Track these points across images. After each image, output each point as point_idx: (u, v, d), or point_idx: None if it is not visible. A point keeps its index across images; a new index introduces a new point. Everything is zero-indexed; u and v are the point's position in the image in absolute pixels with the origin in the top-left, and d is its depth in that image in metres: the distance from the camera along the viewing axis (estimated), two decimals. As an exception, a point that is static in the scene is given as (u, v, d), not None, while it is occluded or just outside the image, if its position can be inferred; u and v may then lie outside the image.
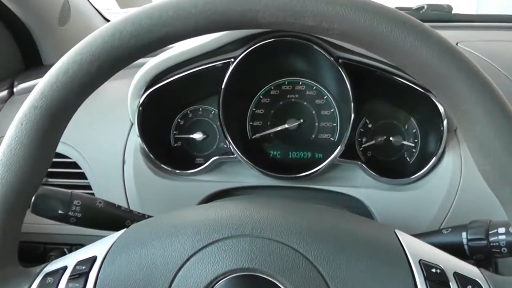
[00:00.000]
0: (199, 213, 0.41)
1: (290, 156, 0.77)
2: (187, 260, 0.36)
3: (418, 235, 0.53)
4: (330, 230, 0.37)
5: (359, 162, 0.71)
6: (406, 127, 0.75)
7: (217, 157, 0.74)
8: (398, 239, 0.38)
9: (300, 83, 0.78)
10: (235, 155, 0.72)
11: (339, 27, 0.34)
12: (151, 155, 0.73)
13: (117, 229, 0.44)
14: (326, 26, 0.35)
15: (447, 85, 0.33)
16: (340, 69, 0.67)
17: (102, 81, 0.38)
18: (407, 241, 0.38)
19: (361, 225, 0.39)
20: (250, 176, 0.74)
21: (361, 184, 0.72)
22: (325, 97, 0.77)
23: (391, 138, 0.75)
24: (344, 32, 0.35)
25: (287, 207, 0.41)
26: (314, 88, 0.77)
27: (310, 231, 0.37)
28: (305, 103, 0.77)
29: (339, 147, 0.69)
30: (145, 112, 0.73)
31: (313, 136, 0.77)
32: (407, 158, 0.75)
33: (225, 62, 0.70)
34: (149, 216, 0.58)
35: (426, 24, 0.35)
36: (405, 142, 0.75)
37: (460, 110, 0.34)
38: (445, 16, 1.05)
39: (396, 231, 0.39)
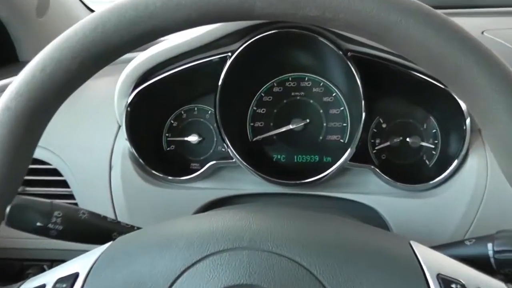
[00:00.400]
0: (192, 223, 0.41)
1: (296, 160, 0.78)
2: (179, 276, 0.36)
3: (437, 247, 0.53)
4: (337, 241, 0.37)
5: (372, 166, 0.71)
6: (424, 127, 0.75)
7: (214, 162, 0.74)
8: (414, 251, 0.38)
9: (306, 79, 0.78)
10: (234, 160, 0.72)
11: (343, 17, 0.35)
12: (141, 160, 0.74)
13: (102, 242, 0.44)
14: (330, 16, 0.35)
15: (464, 79, 0.34)
16: (349, 63, 0.67)
17: (84, 79, 0.39)
18: (424, 253, 0.38)
19: (372, 235, 0.39)
20: (251, 182, 0.75)
21: (374, 191, 0.73)
22: (334, 94, 0.77)
23: (407, 139, 0.75)
24: (349, 23, 0.35)
25: (289, 216, 0.41)
26: (322, 84, 0.78)
27: (314, 242, 0.37)
28: (311, 101, 0.77)
29: (349, 150, 0.69)
30: (134, 113, 0.73)
31: (321, 137, 0.77)
32: (426, 161, 0.75)
33: (222, 57, 0.71)
34: (138, 228, 0.58)
35: (441, 12, 0.35)
36: (423, 143, 0.75)
37: (480, 108, 0.34)
38: (468, 2, 1.05)
39: (411, 242, 0.39)
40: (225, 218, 0.40)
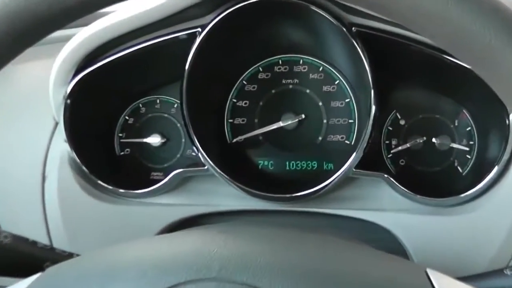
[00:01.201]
0: (146, 248, 0.41)
1: (287, 168, 0.77)
2: (126, 317, 0.36)
3: (467, 278, 0.53)
4: (332, 271, 0.37)
5: (386, 175, 0.71)
6: (456, 124, 0.75)
7: (181, 170, 0.73)
8: (431, 282, 0.38)
9: (301, 62, 0.77)
10: (207, 167, 0.71)
11: None
12: (84, 167, 0.73)
13: (30, 274, 0.44)
14: None
15: (495, 62, 0.34)
16: (354, 41, 0.67)
17: (4, 61, 0.38)
18: (444, 285, 0.38)
19: (377, 262, 0.39)
20: (229, 196, 0.74)
21: (388, 206, 0.72)
22: (336, 82, 0.77)
23: (434, 140, 0.75)
24: None
25: (271, 238, 0.40)
26: (321, 69, 0.77)
27: (302, 272, 0.36)
28: (307, 91, 0.77)
29: (356, 153, 0.69)
30: (76, 106, 0.72)
31: (320, 138, 0.77)
32: (458, 168, 0.75)
33: (190, 33, 0.70)
34: (78, 256, 0.58)
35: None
36: (454, 145, 0.75)
37: None
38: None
39: (429, 270, 0.39)
40: (188, 241, 0.40)
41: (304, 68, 0.78)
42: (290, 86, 0.78)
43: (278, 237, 0.42)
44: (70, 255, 0.57)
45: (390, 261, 0.41)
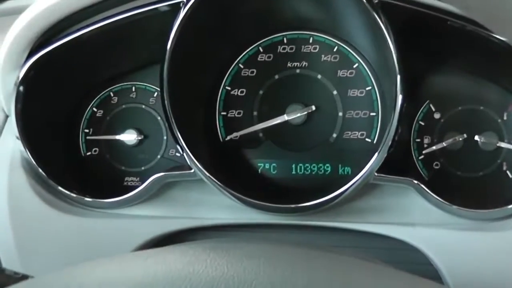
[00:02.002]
0: (113, 269, 0.41)
1: (294, 172, 0.78)
2: None
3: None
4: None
5: (416, 181, 0.70)
6: (504, 118, 0.75)
7: (162, 174, 0.73)
8: None
9: (310, 40, 0.78)
10: (193, 170, 0.72)
11: None
12: (41, 170, 0.73)
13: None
14: None
15: None
16: (376, 14, 0.67)
17: None
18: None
19: (399, 286, 0.39)
20: (221, 207, 0.74)
21: (418, 220, 0.72)
22: (355, 65, 0.77)
23: (476, 138, 0.75)
24: None
25: (268, 256, 0.41)
26: (335, 49, 0.77)
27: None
28: (318, 76, 0.77)
29: (378, 154, 0.69)
30: (30, 95, 0.73)
31: (334, 135, 0.77)
32: (508, 173, 0.76)
33: (172, 3, 0.70)
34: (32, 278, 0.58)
35: None
36: (503, 144, 0.75)
37: None
38: None
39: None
40: (168, 261, 0.40)
41: (315, 48, 0.78)
42: (297, 71, 0.78)
43: (275, 255, 0.43)
44: (22, 278, 0.58)
45: (415, 284, 0.42)
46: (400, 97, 0.68)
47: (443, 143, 0.76)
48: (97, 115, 0.81)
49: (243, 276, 0.40)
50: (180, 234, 0.76)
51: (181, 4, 0.70)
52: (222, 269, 0.41)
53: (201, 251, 0.44)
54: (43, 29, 0.71)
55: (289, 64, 0.79)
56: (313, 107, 0.77)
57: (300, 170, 0.78)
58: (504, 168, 0.76)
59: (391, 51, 0.68)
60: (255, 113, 0.79)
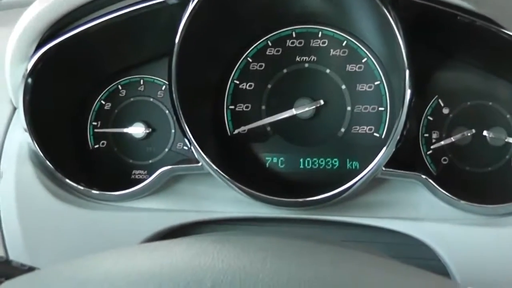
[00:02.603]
0: (120, 261, 0.41)
1: (302, 166, 0.78)
2: None
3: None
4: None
5: (424, 176, 0.70)
6: None
7: (169, 167, 0.73)
8: None
9: (319, 35, 0.78)
10: (201, 164, 0.71)
11: None
12: (48, 163, 0.73)
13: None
14: None
15: None
16: (385, 8, 0.66)
17: None
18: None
19: (407, 280, 0.39)
20: (228, 201, 0.74)
21: (426, 215, 0.72)
22: (364, 59, 0.77)
23: (485, 133, 0.75)
24: None
25: (275, 249, 0.41)
26: (344, 43, 0.77)
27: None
28: (327, 71, 0.77)
29: (386, 149, 0.69)
30: (39, 87, 0.73)
31: (343, 129, 0.77)
32: None
33: None
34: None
35: None
36: (511, 140, 0.75)
37: None
38: None
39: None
40: (174, 253, 0.40)
41: (324, 43, 0.78)
42: (306, 65, 0.78)
43: (282, 248, 0.43)
44: (29, 270, 0.58)
45: (423, 278, 0.42)
46: (408, 92, 0.68)
47: (452, 138, 0.76)
48: (105, 108, 0.81)
49: (250, 269, 0.40)
50: (187, 227, 0.75)
51: None
52: (229, 261, 0.41)
53: (207, 244, 0.44)
54: (52, 21, 0.71)
55: (297, 58, 0.78)
56: (322, 102, 0.77)
57: (308, 165, 0.78)
58: None
59: (400, 46, 0.67)
60: (263, 107, 0.79)
